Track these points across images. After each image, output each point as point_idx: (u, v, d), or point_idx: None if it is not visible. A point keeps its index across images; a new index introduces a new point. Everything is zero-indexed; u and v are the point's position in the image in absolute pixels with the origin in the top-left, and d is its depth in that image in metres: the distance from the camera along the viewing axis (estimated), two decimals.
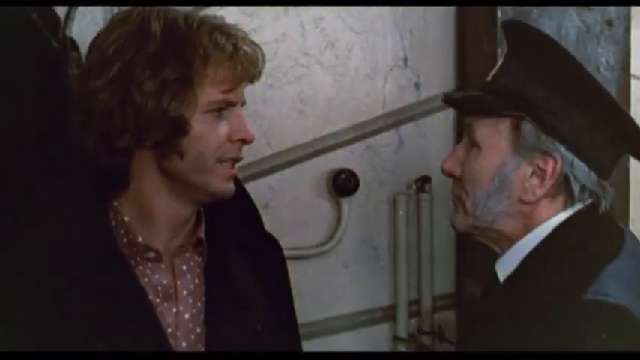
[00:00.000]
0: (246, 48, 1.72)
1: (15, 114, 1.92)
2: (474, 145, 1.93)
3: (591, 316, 1.71)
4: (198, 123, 1.69)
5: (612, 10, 2.83)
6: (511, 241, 1.93)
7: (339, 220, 2.85)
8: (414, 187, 2.94)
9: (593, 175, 1.87)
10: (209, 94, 1.70)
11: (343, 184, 2.80)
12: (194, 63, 1.67)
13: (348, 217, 2.85)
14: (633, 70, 2.93)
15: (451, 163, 1.98)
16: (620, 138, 1.89)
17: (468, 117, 1.98)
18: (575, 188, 1.88)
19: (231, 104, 1.74)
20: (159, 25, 1.68)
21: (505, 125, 1.89)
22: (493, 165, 1.90)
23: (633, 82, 2.94)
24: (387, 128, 2.90)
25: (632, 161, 2.88)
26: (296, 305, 2.10)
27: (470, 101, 2.01)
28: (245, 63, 1.72)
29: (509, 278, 1.92)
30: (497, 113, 1.90)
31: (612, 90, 2.85)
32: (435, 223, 2.96)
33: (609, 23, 2.83)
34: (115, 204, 1.76)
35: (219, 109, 1.72)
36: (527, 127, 1.86)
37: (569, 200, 1.90)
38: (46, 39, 2.08)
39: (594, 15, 2.82)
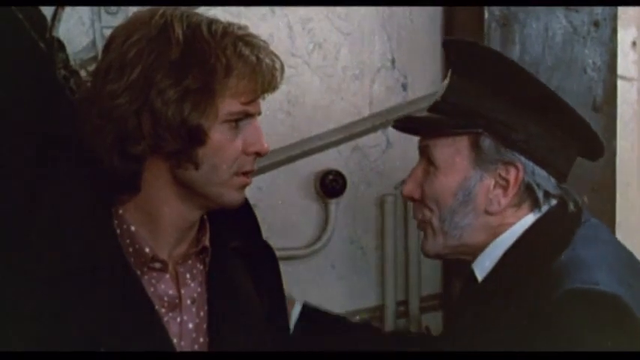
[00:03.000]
0: (267, 60, 1.70)
1: (2, 116, 1.91)
2: (433, 165, 1.95)
3: (581, 304, 1.72)
4: (216, 133, 1.67)
5: (599, 11, 2.83)
6: (483, 249, 1.96)
7: (326, 221, 2.85)
8: (401, 187, 2.93)
9: (553, 180, 1.90)
10: (229, 105, 1.67)
11: (331, 185, 2.80)
12: (216, 73, 1.64)
13: (336, 218, 2.85)
14: (620, 70, 2.93)
15: (411, 186, 2.01)
16: (574, 141, 1.93)
17: (423, 139, 1.99)
18: (539, 194, 1.92)
19: (249, 115, 1.72)
20: (182, 31, 1.64)
21: (463, 143, 1.92)
22: (455, 182, 1.93)
23: (620, 83, 2.94)
24: (374, 129, 2.89)
25: (619, 164, 2.90)
26: None
27: (425, 124, 2.03)
28: (267, 75, 1.70)
29: (489, 277, 1.94)
30: (455, 132, 1.91)
31: (599, 91, 2.86)
32: None
33: (596, 24, 2.83)
34: (121, 212, 1.74)
35: (237, 120, 1.70)
36: (487, 142, 1.89)
37: (535, 207, 1.93)
38: (33, 40, 2.07)
39: (581, 16, 2.82)
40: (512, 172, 1.89)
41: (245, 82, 1.68)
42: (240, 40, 1.68)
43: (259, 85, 1.70)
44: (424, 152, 1.98)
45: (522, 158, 1.89)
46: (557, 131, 1.89)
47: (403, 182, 2.04)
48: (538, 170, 1.90)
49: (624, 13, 3.00)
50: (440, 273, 3.02)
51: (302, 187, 2.84)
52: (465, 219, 1.93)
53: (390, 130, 2.90)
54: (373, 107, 2.90)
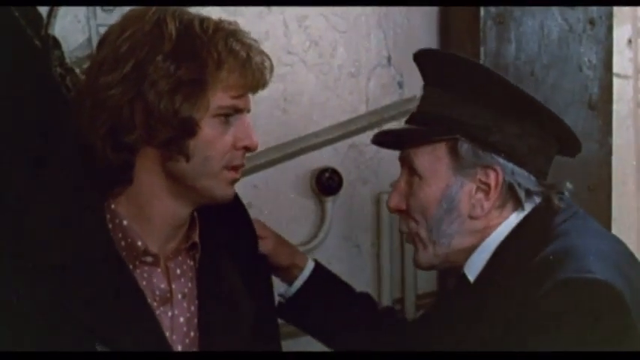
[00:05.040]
0: (257, 57, 1.74)
1: None
2: (415, 174, 1.97)
3: (575, 292, 1.74)
4: (207, 127, 1.71)
5: (595, 9, 2.84)
6: (472, 253, 1.98)
7: (322, 219, 2.85)
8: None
9: (533, 178, 1.93)
10: (220, 98, 1.71)
11: (327, 183, 2.80)
12: (207, 66, 1.68)
13: (332, 215, 2.85)
14: (615, 68, 2.94)
15: (396, 199, 2.04)
16: (552, 139, 1.96)
17: (403, 150, 2.01)
18: (521, 194, 1.94)
19: (238, 111, 1.76)
20: (174, 26, 1.69)
21: (442, 150, 1.94)
22: (438, 190, 1.95)
23: (615, 81, 2.95)
24: (370, 127, 2.89)
25: (615, 162, 2.90)
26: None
27: (401, 135, 2.06)
28: (256, 71, 1.74)
29: (480, 277, 1.97)
30: (433, 140, 1.94)
31: (594, 89, 2.86)
32: None
33: (592, 22, 2.84)
34: (113, 206, 1.76)
35: (227, 115, 1.73)
36: (464, 147, 1.92)
37: (519, 206, 1.96)
38: (29, 37, 2.07)
39: (577, 14, 2.83)
40: (492, 175, 1.91)
41: (235, 76, 1.72)
42: (232, 36, 1.73)
43: (249, 80, 1.74)
44: (405, 162, 2.01)
45: (501, 160, 1.91)
46: (534, 130, 1.92)
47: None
48: (517, 170, 1.92)
49: (620, 11, 3.00)
50: (435, 271, 3.02)
51: (298, 185, 2.84)
52: (452, 226, 1.96)
53: (386, 127, 2.91)
54: (369, 105, 2.90)
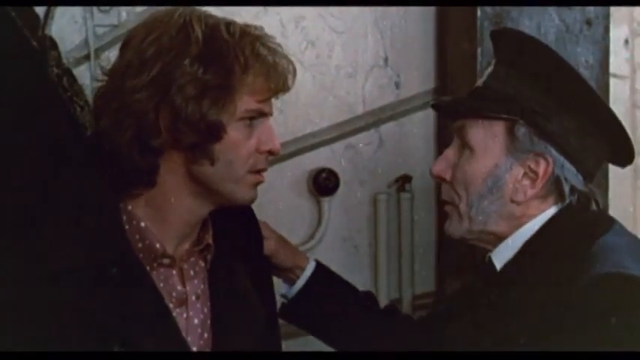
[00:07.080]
0: (283, 61, 1.75)
1: None
2: (467, 147, 1.97)
3: (612, 286, 1.76)
4: (232, 130, 1.71)
5: (592, 10, 2.84)
6: (503, 239, 1.98)
7: (319, 220, 2.86)
8: (394, 186, 2.94)
9: (580, 177, 1.93)
10: (246, 102, 1.71)
11: (323, 184, 2.80)
12: (234, 71, 1.68)
13: (329, 216, 2.86)
14: (612, 69, 2.94)
15: (441, 166, 2.02)
16: (606, 142, 1.96)
17: (459, 120, 2.01)
18: (566, 189, 1.94)
19: (263, 114, 1.76)
20: (201, 30, 1.69)
21: (499, 128, 1.94)
22: (486, 166, 1.95)
23: (612, 81, 2.95)
24: (367, 127, 2.90)
25: None
26: (278, 304, 2.14)
27: (465, 106, 2.05)
28: (281, 76, 1.75)
29: (508, 266, 1.97)
30: (493, 116, 1.93)
31: None
32: (416, 222, 2.97)
33: (589, 22, 2.84)
34: (130, 208, 1.76)
35: (251, 118, 1.74)
36: (521, 130, 1.92)
37: (560, 201, 1.96)
38: (25, 38, 2.06)
39: (574, 14, 2.82)
40: (542, 164, 1.91)
41: (261, 80, 1.72)
42: (258, 40, 1.73)
43: (274, 84, 1.74)
44: (459, 133, 2.00)
45: (553, 151, 1.91)
46: (592, 129, 1.92)
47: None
48: (567, 165, 1.92)
49: (616, 11, 3.00)
50: (433, 271, 3.02)
51: (295, 186, 2.85)
52: (492, 206, 1.95)
53: (383, 128, 2.92)
54: (366, 105, 2.90)
